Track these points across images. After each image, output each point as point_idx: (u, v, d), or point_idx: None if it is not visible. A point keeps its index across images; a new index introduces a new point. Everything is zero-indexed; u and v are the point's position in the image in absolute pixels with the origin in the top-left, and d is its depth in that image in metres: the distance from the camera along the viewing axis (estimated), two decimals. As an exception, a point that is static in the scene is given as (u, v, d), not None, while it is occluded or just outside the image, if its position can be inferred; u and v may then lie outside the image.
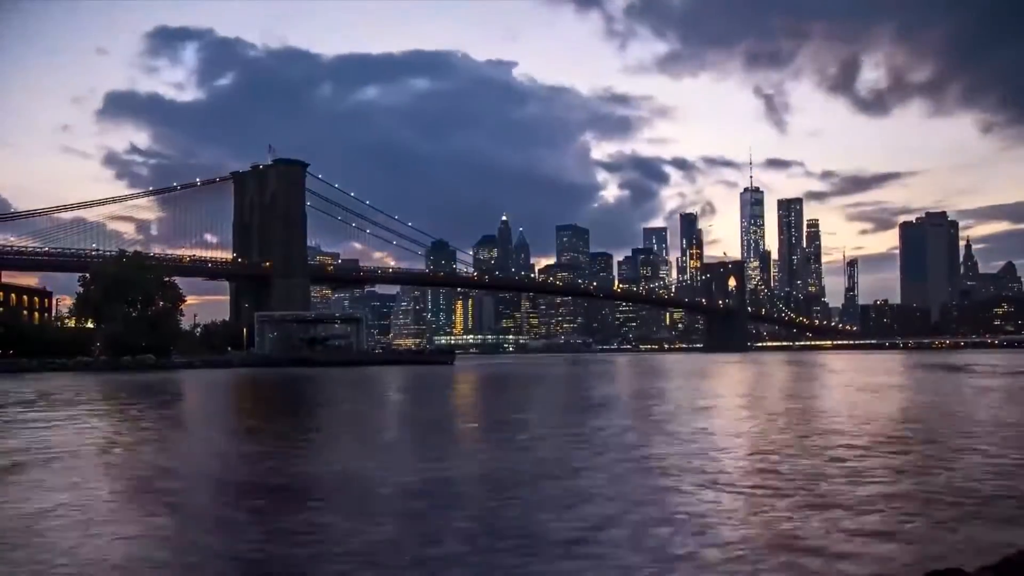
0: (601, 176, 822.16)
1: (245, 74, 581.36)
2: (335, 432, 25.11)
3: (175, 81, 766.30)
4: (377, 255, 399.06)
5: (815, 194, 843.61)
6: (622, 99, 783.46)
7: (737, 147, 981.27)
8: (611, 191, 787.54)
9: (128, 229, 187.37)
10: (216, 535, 10.84)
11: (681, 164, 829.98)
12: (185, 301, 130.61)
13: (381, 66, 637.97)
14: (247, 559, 9.55)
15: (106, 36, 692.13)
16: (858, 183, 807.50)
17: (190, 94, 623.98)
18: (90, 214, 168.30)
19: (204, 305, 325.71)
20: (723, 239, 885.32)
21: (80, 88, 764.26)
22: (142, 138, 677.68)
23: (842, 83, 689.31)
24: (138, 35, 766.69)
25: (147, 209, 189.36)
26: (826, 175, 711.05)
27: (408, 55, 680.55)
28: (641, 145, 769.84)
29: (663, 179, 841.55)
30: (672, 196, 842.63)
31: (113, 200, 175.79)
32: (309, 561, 9.45)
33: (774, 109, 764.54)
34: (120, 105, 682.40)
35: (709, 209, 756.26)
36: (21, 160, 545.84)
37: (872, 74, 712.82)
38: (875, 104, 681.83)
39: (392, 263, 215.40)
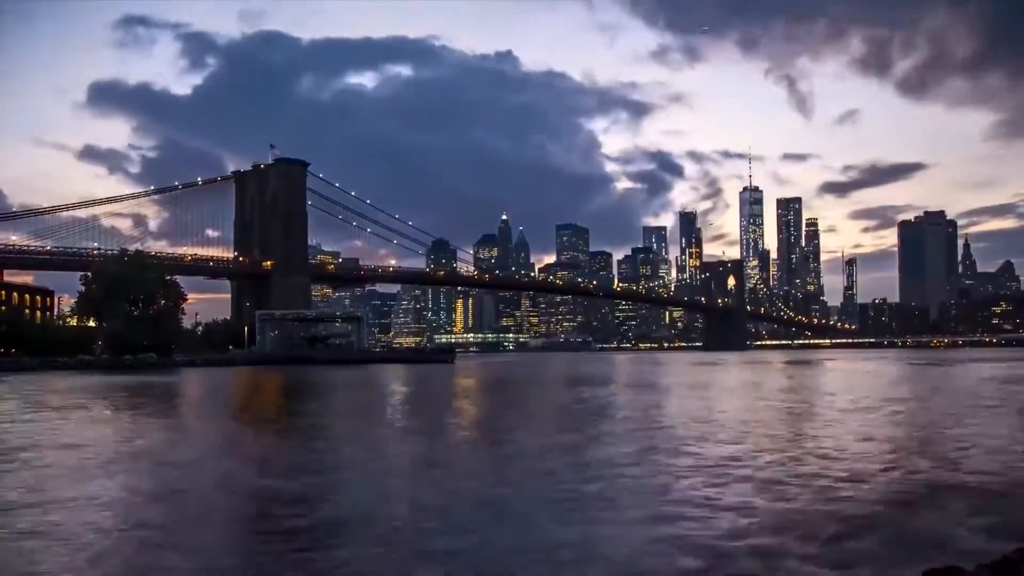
0: (610, 168, 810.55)
1: (225, 62, 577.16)
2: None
3: (156, 71, 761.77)
4: (379, 253, 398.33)
5: (832, 185, 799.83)
6: (630, 87, 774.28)
7: (756, 139, 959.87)
8: (622, 183, 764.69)
9: (129, 228, 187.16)
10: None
11: (694, 157, 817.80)
12: (187, 300, 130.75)
13: (362, 52, 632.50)
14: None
15: (85, 27, 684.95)
16: (876, 175, 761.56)
17: (173, 83, 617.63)
18: (91, 213, 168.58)
19: (206, 303, 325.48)
20: (732, 232, 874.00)
21: (63, 80, 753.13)
22: (126, 130, 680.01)
23: (874, 66, 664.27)
24: (115, 24, 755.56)
25: (148, 208, 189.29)
26: (847, 168, 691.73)
27: (391, 41, 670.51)
28: (651, 137, 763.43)
29: (676, 172, 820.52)
30: (684, 190, 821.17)
31: (114, 199, 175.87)
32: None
33: (796, 95, 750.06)
34: (105, 97, 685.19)
35: (723, 204, 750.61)
36: (8, 154, 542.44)
37: (901, 59, 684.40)
38: (909, 90, 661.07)
39: (393, 262, 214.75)
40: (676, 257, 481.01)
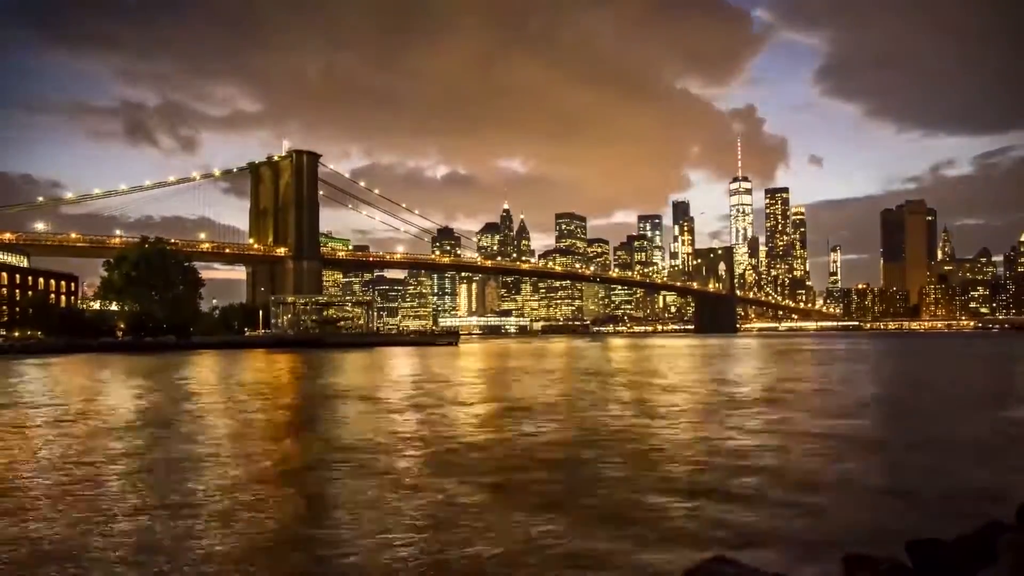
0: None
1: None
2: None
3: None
4: (386, 241, 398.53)
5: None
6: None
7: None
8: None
9: (149, 217, 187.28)
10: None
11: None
12: (204, 285, 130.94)
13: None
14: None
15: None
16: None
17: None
18: (113, 202, 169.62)
19: (222, 284, 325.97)
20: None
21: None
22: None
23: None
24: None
25: (167, 197, 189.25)
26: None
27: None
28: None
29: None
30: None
31: (136, 189, 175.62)
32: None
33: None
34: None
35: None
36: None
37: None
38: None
39: (400, 248, 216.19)
40: (670, 244, 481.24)
